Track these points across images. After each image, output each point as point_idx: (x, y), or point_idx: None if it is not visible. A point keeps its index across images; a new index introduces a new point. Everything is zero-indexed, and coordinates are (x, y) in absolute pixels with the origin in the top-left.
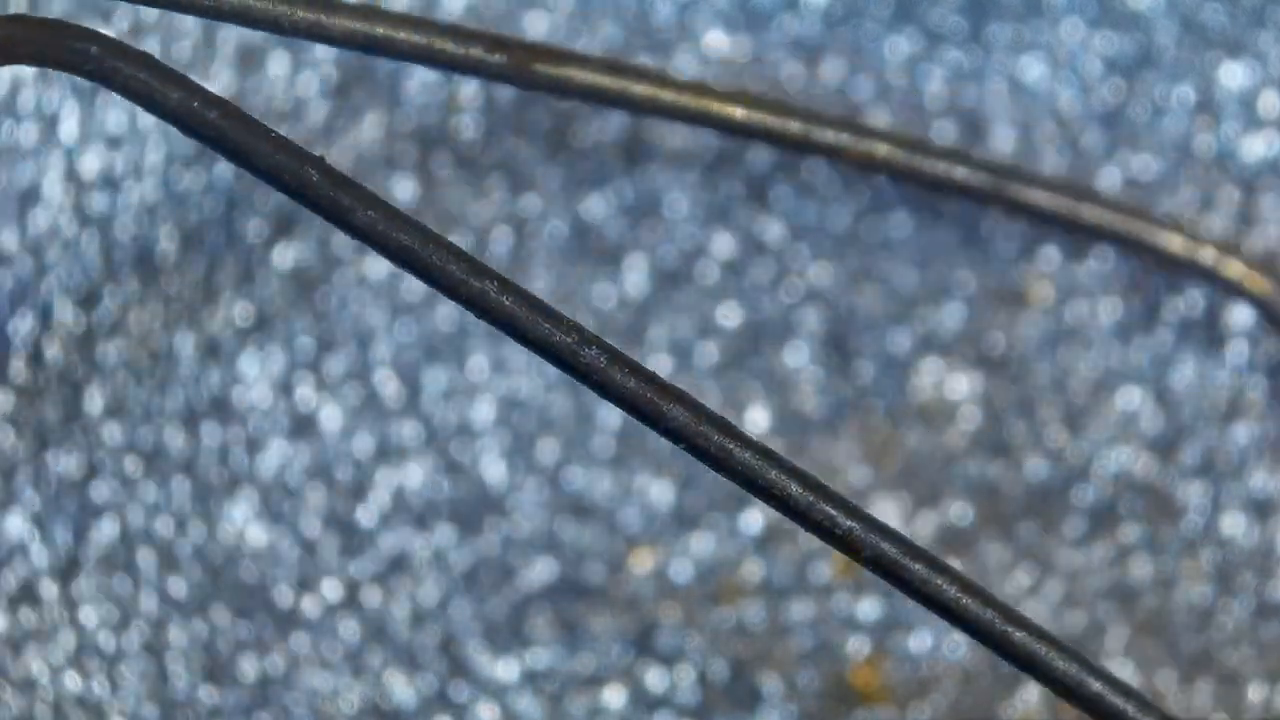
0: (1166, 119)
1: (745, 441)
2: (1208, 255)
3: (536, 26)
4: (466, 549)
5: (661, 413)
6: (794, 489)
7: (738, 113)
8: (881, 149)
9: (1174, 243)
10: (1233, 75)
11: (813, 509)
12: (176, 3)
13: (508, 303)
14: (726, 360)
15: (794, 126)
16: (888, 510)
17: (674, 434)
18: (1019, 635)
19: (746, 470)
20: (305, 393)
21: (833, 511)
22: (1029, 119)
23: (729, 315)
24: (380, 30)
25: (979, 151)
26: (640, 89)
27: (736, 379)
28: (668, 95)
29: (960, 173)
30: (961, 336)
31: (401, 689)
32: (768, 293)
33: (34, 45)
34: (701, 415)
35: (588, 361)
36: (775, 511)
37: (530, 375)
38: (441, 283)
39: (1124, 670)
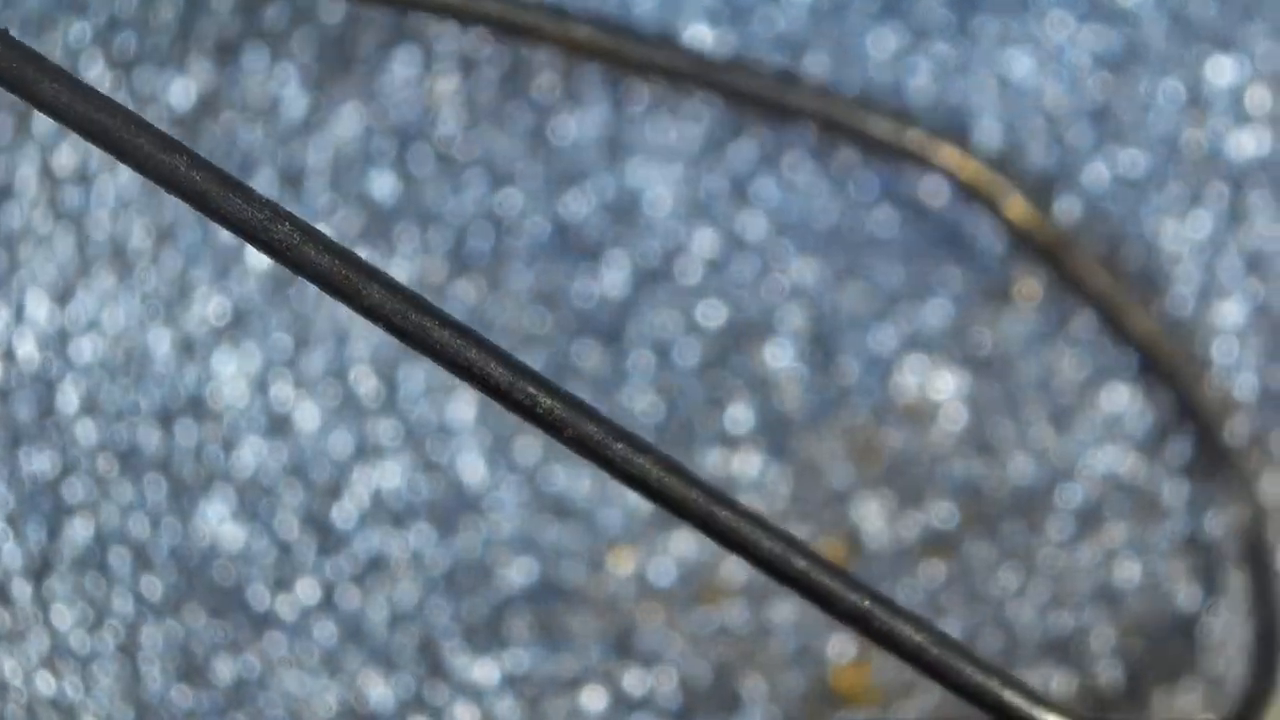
0: (1154, 114)
1: (444, 320)
2: (914, 137)
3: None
4: (445, 549)
5: (357, 290)
6: (494, 368)
7: None
8: (582, 31)
9: (880, 127)
10: (1221, 70)
11: (514, 388)
12: None
13: (198, 177)
14: (708, 359)
15: (492, 8)
16: (871, 510)
17: (371, 312)
18: (724, 514)
19: (445, 349)
20: (281, 391)
21: (533, 390)
22: (1016, 114)
23: (711, 313)
24: None
25: (972, 148)
26: None
27: (719, 378)
28: None
29: (663, 57)
30: (946, 335)
31: (379, 691)
32: (750, 290)
33: None
34: (399, 293)
35: (280, 238)
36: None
37: None
38: (132, 157)
39: (1112, 671)
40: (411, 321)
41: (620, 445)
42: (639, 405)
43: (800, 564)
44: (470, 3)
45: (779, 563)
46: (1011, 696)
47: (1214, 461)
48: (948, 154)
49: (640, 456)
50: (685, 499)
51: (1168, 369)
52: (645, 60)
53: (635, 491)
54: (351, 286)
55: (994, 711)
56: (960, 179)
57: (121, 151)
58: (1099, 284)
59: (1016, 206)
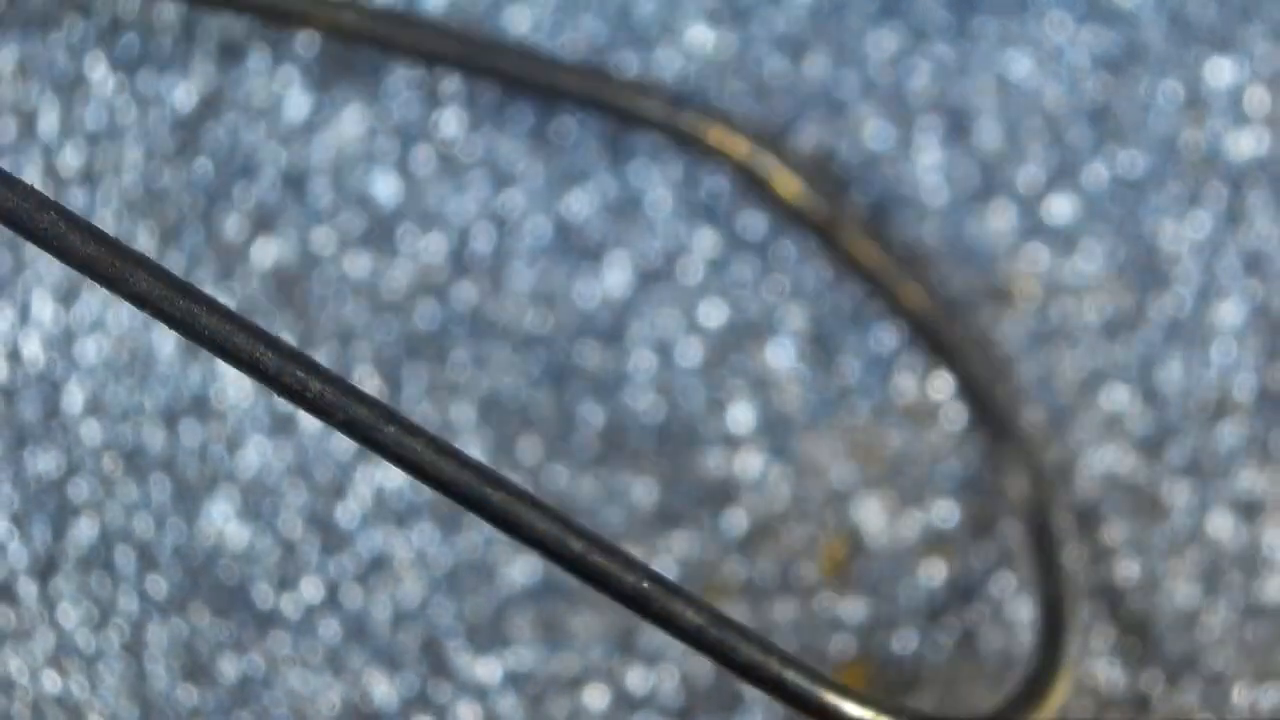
0: (1153, 115)
1: (211, 306)
2: (658, 109)
3: (519, 22)
4: (447, 549)
5: (123, 277)
6: (263, 353)
7: None
8: (348, 17)
9: (634, 101)
10: (1220, 71)
11: (283, 373)
12: None
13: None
14: (709, 359)
15: None
16: (872, 508)
17: (138, 298)
18: (497, 495)
19: (213, 334)
20: None
21: (303, 375)
22: (1015, 114)
23: (712, 313)
24: None
25: (969, 146)
26: None
27: (719, 377)
28: None
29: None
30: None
31: (382, 689)
32: (751, 291)
33: None
34: (165, 280)
35: (45, 227)
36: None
37: (512, 374)
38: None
39: (1111, 671)
40: (179, 308)
41: (392, 428)
42: (640, 405)
43: (576, 545)
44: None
45: (554, 544)
46: (792, 675)
47: (995, 435)
48: (717, 134)
49: (411, 439)
50: (457, 480)
51: (944, 344)
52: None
53: (407, 474)
54: (117, 273)
55: (774, 690)
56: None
57: None
58: (871, 260)
59: (788, 184)
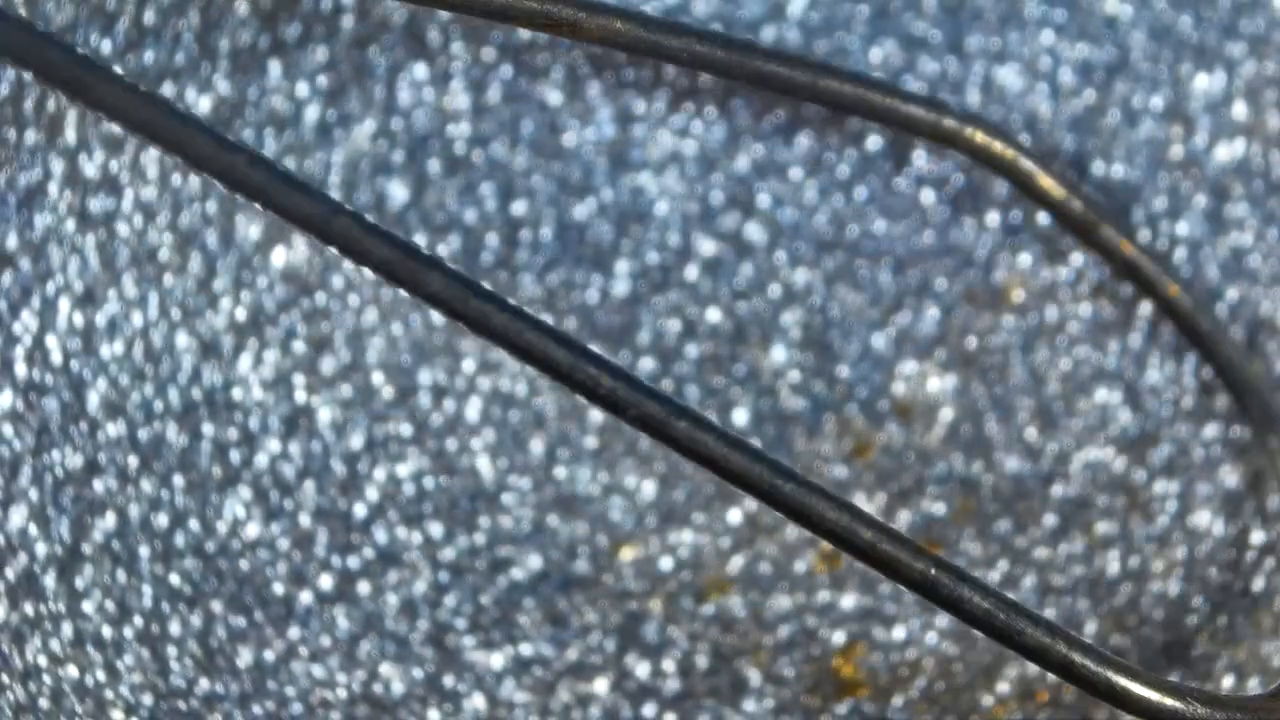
0: (1139, 126)
1: (504, 305)
2: (950, 124)
3: (524, 32)
4: (457, 542)
5: (417, 279)
6: (555, 350)
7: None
8: (617, 24)
9: (916, 113)
10: (1204, 83)
11: (575, 369)
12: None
13: (256, 175)
14: (709, 360)
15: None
16: (865, 506)
17: (432, 299)
18: (789, 487)
19: (506, 333)
20: (300, 391)
21: (595, 372)
22: (1005, 126)
23: (713, 317)
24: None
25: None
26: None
27: (718, 378)
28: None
29: (702, 50)
30: (939, 337)
31: (393, 678)
32: (749, 294)
33: None
34: (459, 281)
35: (340, 231)
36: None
37: (519, 374)
38: (191, 156)
39: None
40: (472, 308)
41: (683, 423)
42: None
43: (866, 534)
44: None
45: (845, 533)
46: (1079, 658)
47: (1259, 425)
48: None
49: (703, 433)
50: (749, 474)
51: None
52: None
53: (700, 466)
54: (412, 276)
55: (1062, 672)
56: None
57: (173, 146)
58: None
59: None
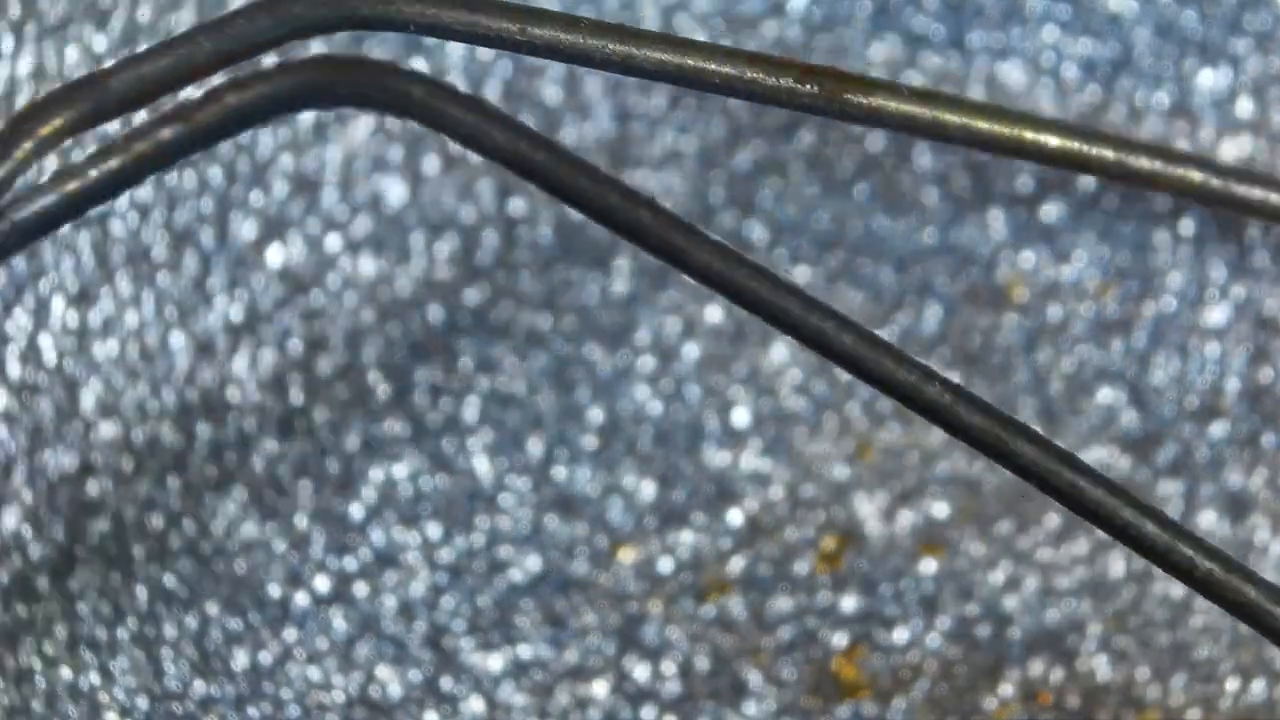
0: (1144, 123)
1: (1091, 475)
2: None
3: None
4: (455, 543)
5: (1010, 450)
6: (1147, 522)
7: (1052, 141)
8: (1194, 176)
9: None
10: (1209, 80)
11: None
12: (485, 37)
13: (848, 340)
14: (709, 359)
15: (1108, 155)
16: (867, 507)
17: (1023, 470)
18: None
19: (1093, 504)
20: (296, 391)
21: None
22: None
23: (712, 315)
24: (691, 62)
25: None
26: (953, 118)
27: (719, 378)
28: (982, 125)
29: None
30: (941, 336)
31: (390, 681)
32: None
33: (352, 87)
34: (1049, 449)
35: (932, 397)
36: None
37: (518, 374)
38: (781, 320)
39: (1099, 664)
40: (1062, 479)
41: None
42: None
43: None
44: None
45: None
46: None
47: None
48: None
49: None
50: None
51: None
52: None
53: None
54: (1005, 447)
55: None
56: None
57: (771, 315)
58: None
59: None
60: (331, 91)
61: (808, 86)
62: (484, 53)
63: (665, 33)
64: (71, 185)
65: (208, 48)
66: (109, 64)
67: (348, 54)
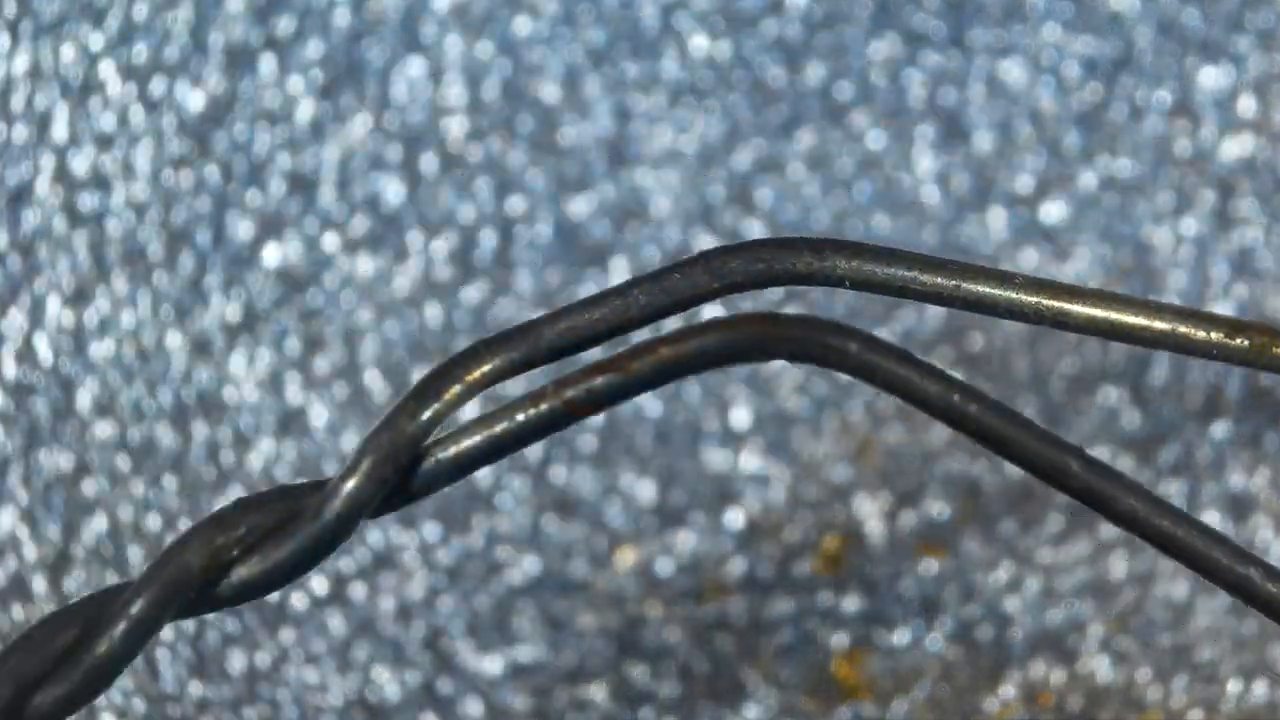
0: (1145, 121)
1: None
2: None
3: (522, 28)
4: (453, 545)
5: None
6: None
7: None
8: None
9: None
10: (1211, 78)
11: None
12: (918, 293)
13: (1274, 589)
14: None
15: None
16: (867, 507)
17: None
18: None
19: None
20: (294, 390)
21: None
22: (1009, 121)
23: (712, 314)
24: (1123, 318)
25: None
26: None
27: (719, 378)
28: None
29: None
30: (941, 335)
31: (388, 683)
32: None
33: (792, 344)
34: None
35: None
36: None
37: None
38: (1209, 571)
39: (1100, 665)
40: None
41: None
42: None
43: None
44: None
45: None
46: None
47: None
48: None
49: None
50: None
51: None
52: None
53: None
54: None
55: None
56: None
57: (1197, 565)
58: None
59: None
60: (768, 348)
61: (1238, 341)
62: (482, 51)
63: (1098, 289)
64: (498, 428)
65: (642, 301)
66: (543, 314)
67: (778, 312)
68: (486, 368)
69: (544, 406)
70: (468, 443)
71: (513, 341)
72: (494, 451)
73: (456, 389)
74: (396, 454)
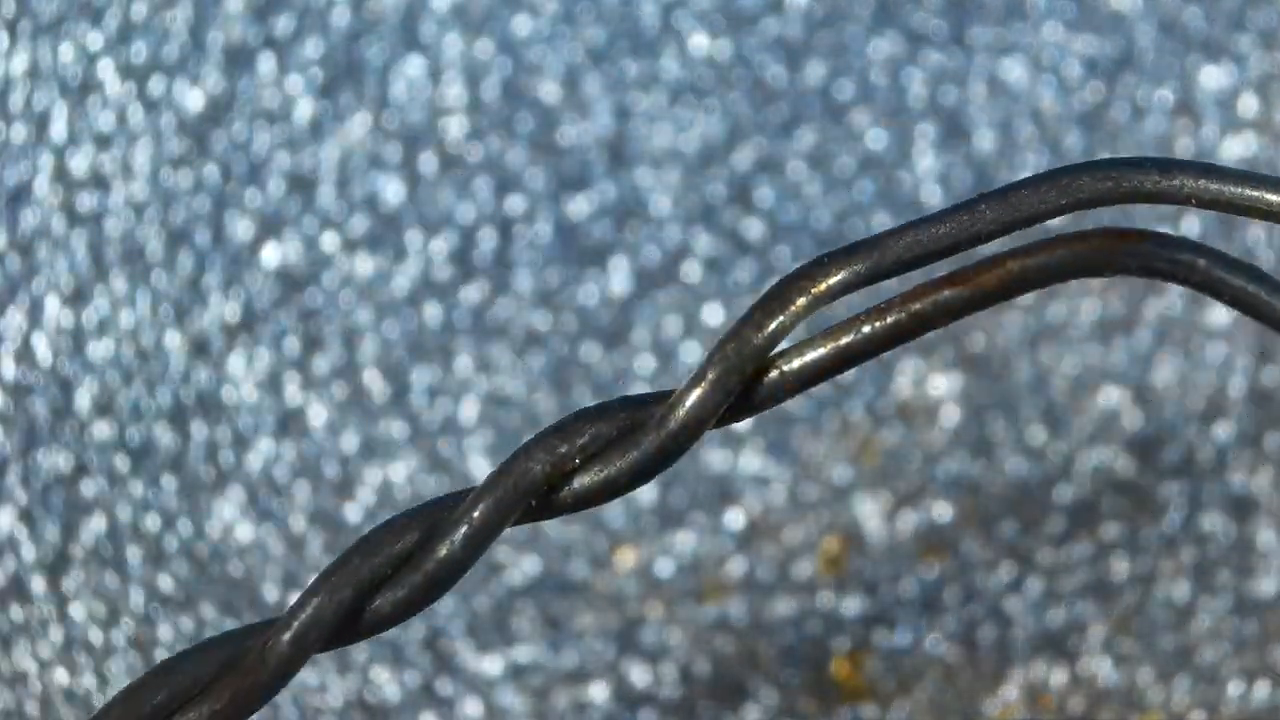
0: (1147, 121)
1: None
2: None
3: (521, 27)
4: None
5: None
6: None
7: None
8: None
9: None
10: (1212, 77)
11: None
12: (1267, 213)
13: None
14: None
15: None
16: (868, 508)
17: None
18: None
19: None
20: (293, 391)
21: None
22: (1010, 120)
23: (712, 315)
24: None
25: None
26: None
27: None
28: None
29: None
30: (942, 335)
31: (388, 684)
32: (750, 292)
33: (1140, 257)
34: None
35: None
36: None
37: (515, 374)
38: None
39: (1102, 666)
40: None
41: None
42: None
43: None
44: None
45: None
46: None
47: None
48: None
49: None
50: None
51: None
52: None
53: None
54: None
55: None
56: None
57: None
58: None
59: None
60: (1116, 261)
61: None
62: (482, 50)
63: None
64: (844, 340)
65: (989, 216)
66: (891, 227)
67: (1128, 227)
68: (832, 280)
69: (889, 319)
70: (812, 355)
71: (858, 254)
72: (839, 364)
73: (802, 300)
74: (742, 364)
